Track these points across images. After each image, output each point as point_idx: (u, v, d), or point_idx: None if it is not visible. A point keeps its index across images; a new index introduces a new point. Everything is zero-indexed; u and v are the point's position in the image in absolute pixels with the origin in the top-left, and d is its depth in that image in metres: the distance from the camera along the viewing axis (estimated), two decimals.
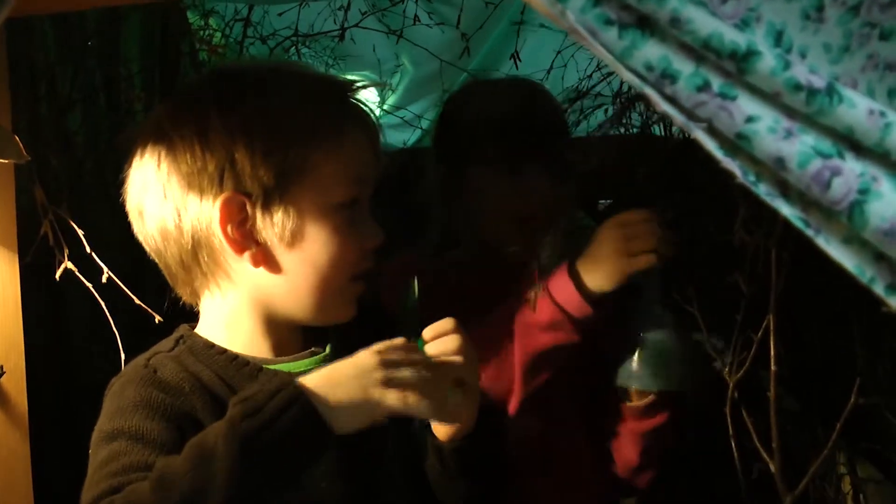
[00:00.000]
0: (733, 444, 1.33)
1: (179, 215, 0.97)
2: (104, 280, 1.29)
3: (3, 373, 1.22)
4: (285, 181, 0.95)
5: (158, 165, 0.97)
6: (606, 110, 2.31)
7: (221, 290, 1.00)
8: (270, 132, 0.95)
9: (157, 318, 1.29)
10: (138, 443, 0.87)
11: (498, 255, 1.39)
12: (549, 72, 2.21)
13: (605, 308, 1.18)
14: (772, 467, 1.27)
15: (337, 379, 0.86)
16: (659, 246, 1.16)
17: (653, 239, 1.16)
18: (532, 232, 1.33)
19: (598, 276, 1.16)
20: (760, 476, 1.33)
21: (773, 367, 1.26)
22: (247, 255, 0.97)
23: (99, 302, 1.31)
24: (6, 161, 1.16)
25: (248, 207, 0.95)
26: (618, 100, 2.10)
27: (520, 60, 1.94)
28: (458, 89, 1.60)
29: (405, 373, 0.86)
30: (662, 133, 2.04)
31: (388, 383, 0.85)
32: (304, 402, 0.83)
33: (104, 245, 1.37)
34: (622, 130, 2.35)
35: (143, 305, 1.30)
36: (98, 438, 0.91)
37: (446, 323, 0.95)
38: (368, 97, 2.57)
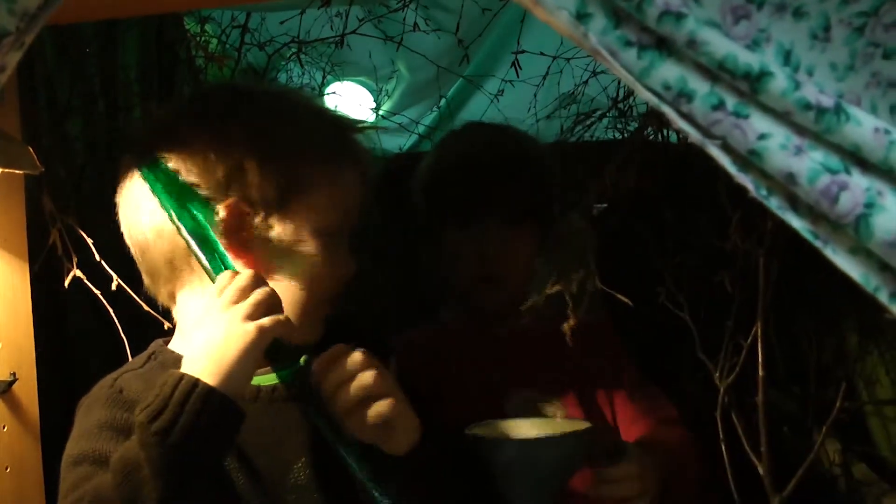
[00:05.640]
0: (723, 448, 1.36)
1: None
2: (114, 287, 1.30)
3: (16, 380, 1.24)
4: (287, 198, 0.98)
5: (167, 163, 0.99)
6: (602, 116, 2.33)
7: (199, 293, 1.00)
8: (281, 150, 0.98)
9: (167, 325, 1.30)
10: (101, 467, 0.87)
11: (481, 315, 1.44)
12: (544, 77, 2.23)
13: None
14: (760, 470, 1.30)
15: (207, 348, 0.85)
16: None
17: None
18: (496, 289, 1.41)
19: None
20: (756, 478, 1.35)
21: (760, 373, 1.30)
22: (240, 262, 0.98)
23: (108, 309, 1.32)
24: (18, 171, 1.17)
25: (249, 216, 0.97)
26: (615, 106, 2.13)
27: (520, 68, 1.96)
28: (443, 142, 1.59)
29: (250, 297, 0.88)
30: (659, 138, 2.07)
31: (247, 315, 0.87)
32: (202, 386, 0.82)
33: (105, 251, 1.38)
34: (618, 135, 2.38)
35: (153, 312, 1.31)
36: (66, 463, 0.92)
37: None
38: (363, 101, 2.60)
